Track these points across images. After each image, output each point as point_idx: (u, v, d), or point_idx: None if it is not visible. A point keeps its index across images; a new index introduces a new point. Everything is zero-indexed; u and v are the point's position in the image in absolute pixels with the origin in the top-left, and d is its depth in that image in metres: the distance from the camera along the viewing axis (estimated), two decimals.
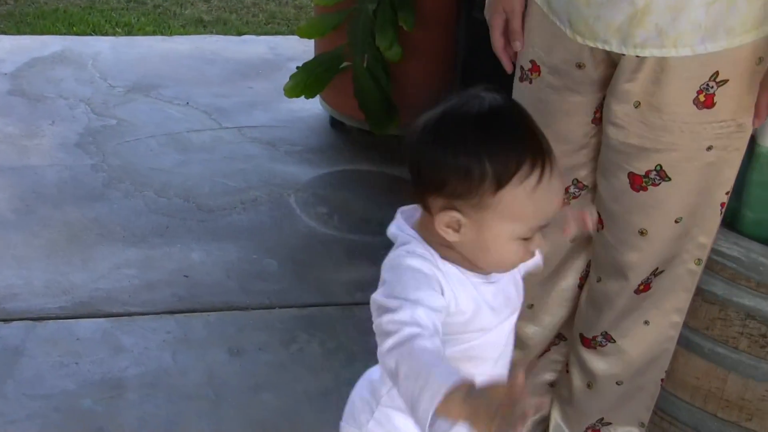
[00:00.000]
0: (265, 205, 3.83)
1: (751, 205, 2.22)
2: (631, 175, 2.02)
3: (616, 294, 2.18)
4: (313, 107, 4.57)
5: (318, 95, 4.34)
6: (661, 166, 1.98)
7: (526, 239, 1.50)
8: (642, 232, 2.07)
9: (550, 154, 1.48)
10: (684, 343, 2.26)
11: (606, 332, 2.24)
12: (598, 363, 2.28)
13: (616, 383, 2.29)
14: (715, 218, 2.09)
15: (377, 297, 1.52)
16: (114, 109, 4.51)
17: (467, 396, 1.28)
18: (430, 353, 1.39)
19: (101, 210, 3.66)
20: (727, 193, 2.06)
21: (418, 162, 1.52)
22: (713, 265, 2.19)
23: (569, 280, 2.32)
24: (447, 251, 1.54)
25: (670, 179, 1.99)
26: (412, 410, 1.37)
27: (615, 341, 2.24)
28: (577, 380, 2.34)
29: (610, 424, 2.36)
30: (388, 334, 1.44)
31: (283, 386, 2.81)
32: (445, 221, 1.49)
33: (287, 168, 4.14)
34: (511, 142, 1.47)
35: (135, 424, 2.63)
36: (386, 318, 1.46)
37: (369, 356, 2.90)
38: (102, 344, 2.93)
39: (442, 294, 1.51)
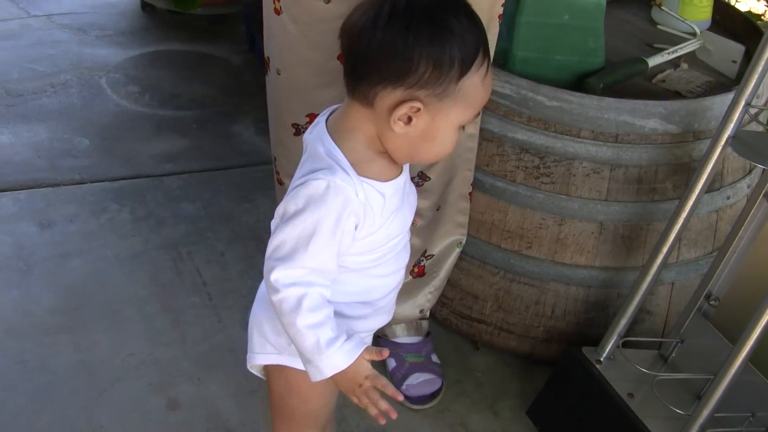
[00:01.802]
0: (75, 87, 3.81)
1: (519, 45, 2.35)
2: None
3: None
4: None
5: None
6: None
7: (461, 127, 1.54)
8: None
9: None
10: None
11: (421, 172, 2.31)
12: (420, 203, 2.36)
13: (437, 209, 2.39)
14: (495, 33, 2.18)
15: (280, 230, 1.53)
16: None
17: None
18: (314, 337, 1.54)
19: None
20: (502, 5, 2.15)
21: (377, 53, 1.46)
22: (489, 104, 2.30)
23: None
24: (368, 163, 1.55)
25: None
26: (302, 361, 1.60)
27: (430, 177, 2.32)
28: None
29: (432, 255, 2.46)
30: (277, 288, 1.53)
31: (93, 252, 2.86)
32: (401, 113, 1.47)
33: (98, 51, 4.13)
34: (471, 29, 1.47)
35: None
36: (282, 268, 1.52)
37: (177, 221, 2.99)
38: None
39: (355, 228, 1.55)
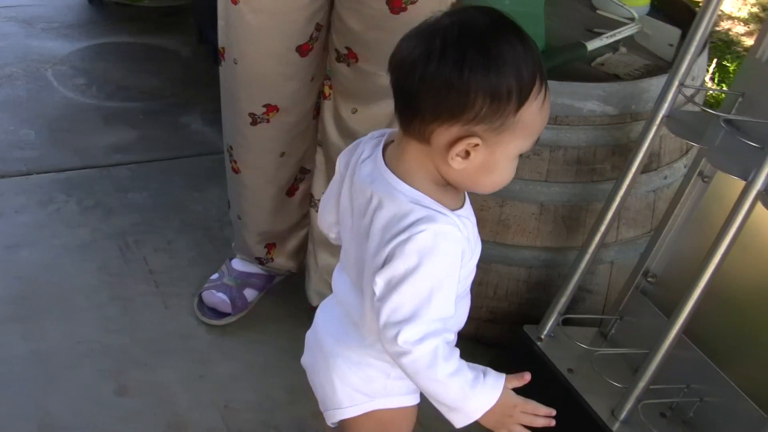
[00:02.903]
0: (21, 79, 3.81)
1: None
2: (389, 0, 2.14)
3: (383, 115, 2.26)
4: None
5: None
6: None
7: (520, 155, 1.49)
8: None
9: None
10: None
11: None
12: None
13: None
14: None
15: (394, 294, 1.45)
16: None
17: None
18: (457, 384, 1.48)
19: None
20: None
21: (431, 89, 1.39)
22: None
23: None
24: (446, 197, 1.50)
25: None
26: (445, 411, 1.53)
27: None
28: None
29: None
30: (407, 350, 1.45)
31: (42, 242, 2.87)
32: (459, 150, 1.42)
33: (44, 44, 4.12)
34: (526, 56, 1.40)
35: None
36: (408, 328, 1.45)
37: (125, 210, 3.01)
38: None
39: (461, 261, 1.50)
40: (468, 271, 1.59)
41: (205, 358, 2.50)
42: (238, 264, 2.68)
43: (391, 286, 1.45)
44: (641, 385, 2.09)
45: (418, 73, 1.39)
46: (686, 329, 2.08)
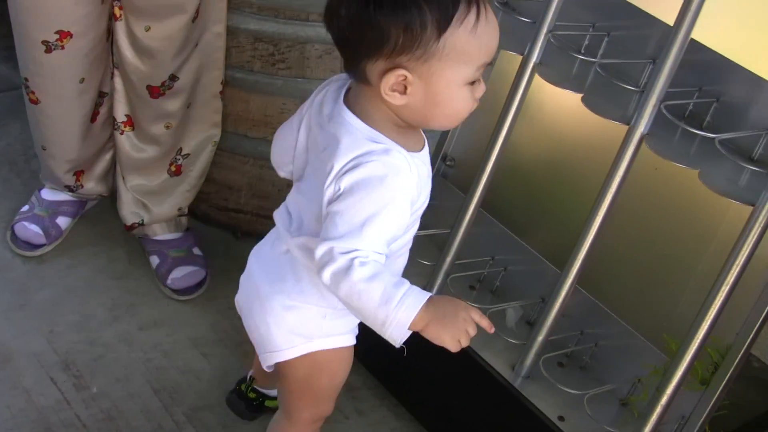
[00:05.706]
0: None
1: None
2: None
3: (177, 29, 2.28)
4: None
5: None
6: None
7: (472, 83, 1.50)
8: None
9: None
10: None
11: (172, 74, 2.36)
12: (172, 104, 2.43)
13: (187, 107, 2.46)
14: None
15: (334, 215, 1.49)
16: None
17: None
18: (379, 286, 1.45)
19: None
20: None
21: (349, 32, 1.47)
22: None
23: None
24: (403, 138, 1.54)
25: None
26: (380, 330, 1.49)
27: (179, 78, 2.38)
28: (156, 129, 2.47)
29: (188, 154, 2.54)
30: (331, 257, 1.47)
31: None
32: (390, 83, 1.47)
33: None
34: None
35: None
36: (335, 242, 1.47)
37: None
38: None
39: (412, 204, 1.53)
40: (412, 220, 1.61)
41: (24, 288, 2.50)
42: (47, 194, 2.67)
43: (334, 211, 1.48)
44: (448, 260, 2.20)
45: (337, 19, 1.48)
46: (487, 206, 2.20)
